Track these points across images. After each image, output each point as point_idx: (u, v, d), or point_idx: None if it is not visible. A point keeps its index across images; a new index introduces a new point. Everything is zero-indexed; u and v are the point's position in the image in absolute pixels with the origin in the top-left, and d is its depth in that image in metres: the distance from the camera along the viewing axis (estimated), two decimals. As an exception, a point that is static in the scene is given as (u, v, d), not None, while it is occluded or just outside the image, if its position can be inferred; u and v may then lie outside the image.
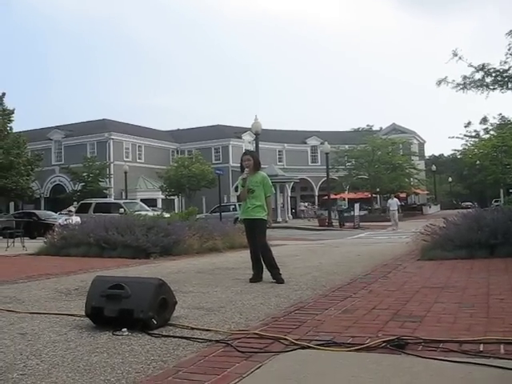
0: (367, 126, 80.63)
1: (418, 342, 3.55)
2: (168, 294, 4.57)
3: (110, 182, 50.83)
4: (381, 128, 71.55)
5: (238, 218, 29.79)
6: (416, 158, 57.46)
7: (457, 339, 3.59)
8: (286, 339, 3.74)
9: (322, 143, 51.47)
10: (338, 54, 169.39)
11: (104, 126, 55.03)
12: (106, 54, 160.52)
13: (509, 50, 10.00)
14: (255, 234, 7.49)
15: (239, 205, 36.48)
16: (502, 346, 3.40)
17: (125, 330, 4.20)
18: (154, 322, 4.28)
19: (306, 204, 58.08)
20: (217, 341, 3.86)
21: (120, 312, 4.28)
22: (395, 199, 30.62)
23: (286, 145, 63.85)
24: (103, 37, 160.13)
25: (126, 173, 43.69)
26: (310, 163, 64.73)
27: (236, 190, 7.74)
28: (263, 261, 7.37)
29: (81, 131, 54.82)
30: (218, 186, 33.02)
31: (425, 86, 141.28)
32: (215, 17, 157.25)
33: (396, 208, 29.40)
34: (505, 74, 10.25)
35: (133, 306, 4.24)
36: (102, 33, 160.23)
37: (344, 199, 35.39)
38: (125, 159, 52.61)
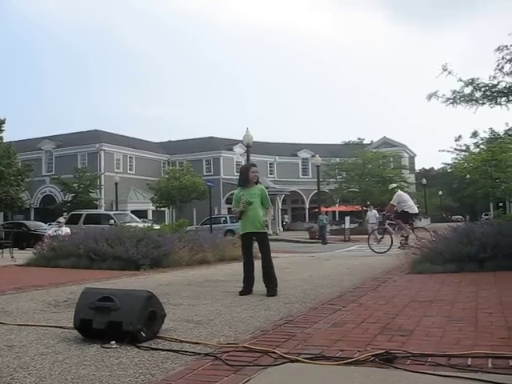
0: (358, 139, 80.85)
1: (407, 355, 3.55)
2: (157, 307, 4.56)
3: (100, 193, 50.73)
4: (371, 141, 71.86)
5: (228, 230, 29.77)
6: (406, 172, 57.71)
7: (445, 353, 3.59)
8: (275, 352, 3.73)
9: (313, 156, 51.59)
10: (329, 67, 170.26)
11: (95, 136, 54.96)
12: (98, 64, 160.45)
13: (497, 65, 10.11)
14: (251, 248, 7.57)
15: (230, 217, 36.70)
16: (489, 360, 3.41)
17: (113, 342, 4.18)
18: (143, 334, 4.27)
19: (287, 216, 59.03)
20: (206, 354, 3.85)
21: (109, 324, 4.26)
22: (374, 211, 28.82)
23: (277, 157, 63.96)
24: (96, 47, 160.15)
25: (116, 184, 43.63)
26: (300, 176, 64.85)
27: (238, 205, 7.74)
28: (265, 275, 7.36)
29: (72, 142, 54.68)
30: (209, 198, 33.07)
31: (416, 100, 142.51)
32: (208, 29, 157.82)
33: (375, 221, 27.16)
34: (494, 89, 10.35)
35: (122, 318, 4.23)
36: (96, 43, 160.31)
37: (326, 213, 35.39)
38: (116, 170, 52.52)
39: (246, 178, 7.60)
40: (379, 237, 17.98)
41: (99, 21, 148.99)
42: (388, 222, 17.36)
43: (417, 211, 17.35)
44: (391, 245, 16.67)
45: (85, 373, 3.45)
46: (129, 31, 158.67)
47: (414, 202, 17.65)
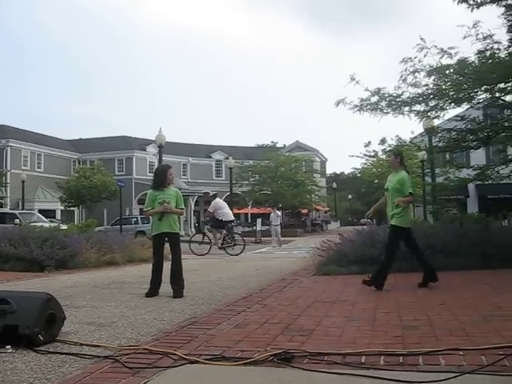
0: (271, 142, 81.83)
1: (304, 355, 3.65)
2: (56, 309, 4.45)
3: (5, 191, 48.60)
4: (284, 145, 72.90)
5: (139, 231, 29.33)
6: (318, 176, 59.03)
7: (341, 352, 3.72)
8: (175, 354, 3.74)
9: (226, 158, 51.81)
10: (245, 71, 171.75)
11: (1, 132, 52.58)
12: (13, 57, 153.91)
13: (401, 76, 10.52)
14: (163, 249, 7.57)
15: (141, 218, 36.15)
16: (382, 358, 3.56)
17: (9, 347, 4.04)
18: (41, 338, 4.15)
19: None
20: (105, 357, 3.80)
21: (4, 328, 4.11)
22: (277, 212, 27.92)
23: (190, 158, 63.61)
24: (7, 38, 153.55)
25: (23, 182, 42.01)
26: (214, 177, 64.83)
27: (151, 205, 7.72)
28: (173, 277, 7.36)
29: (-24, 137, 52.22)
30: (120, 199, 32.41)
31: (329, 106, 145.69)
32: (127, 26, 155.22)
33: (278, 223, 26.87)
34: (398, 99, 10.75)
35: (18, 321, 4.09)
36: (17, 33, 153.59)
37: (238, 215, 35.53)
38: (23, 167, 50.47)
39: (164, 179, 7.58)
40: (201, 239, 19.92)
41: (13, 11, 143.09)
42: (207, 226, 19.96)
43: (231, 218, 19.73)
44: (210, 248, 18.83)
45: (-25, 379, 3.32)
46: (51, 23, 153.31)
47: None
